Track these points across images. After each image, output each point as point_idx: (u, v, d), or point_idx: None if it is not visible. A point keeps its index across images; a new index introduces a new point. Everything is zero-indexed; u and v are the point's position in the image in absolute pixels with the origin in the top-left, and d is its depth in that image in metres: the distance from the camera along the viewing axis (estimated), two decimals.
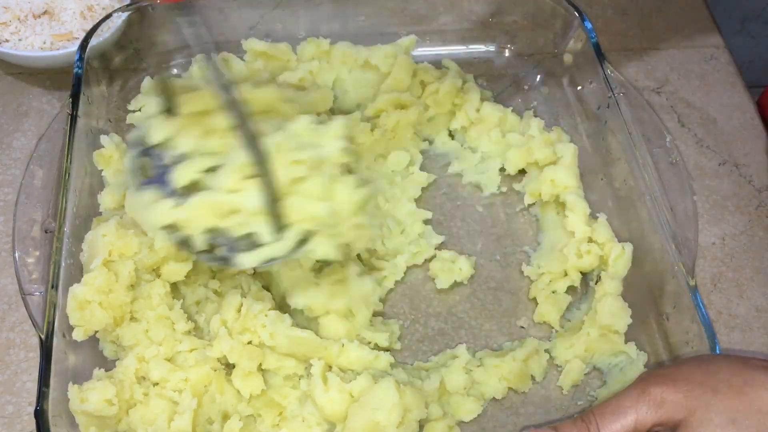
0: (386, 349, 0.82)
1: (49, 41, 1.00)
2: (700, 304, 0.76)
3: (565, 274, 0.87)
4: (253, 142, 0.67)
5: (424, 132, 0.99)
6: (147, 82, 0.97)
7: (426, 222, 0.93)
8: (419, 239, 0.91)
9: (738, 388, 0.64)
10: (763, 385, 0.64)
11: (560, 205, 0.91)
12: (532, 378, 0.82)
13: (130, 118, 0.95)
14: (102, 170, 0.90)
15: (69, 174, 0.81)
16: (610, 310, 0.81)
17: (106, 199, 0.86)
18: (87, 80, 0.89)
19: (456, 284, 0.89)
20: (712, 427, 0.63)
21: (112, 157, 0.89)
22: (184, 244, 0.70)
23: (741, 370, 0.66)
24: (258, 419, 0.77)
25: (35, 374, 0.78)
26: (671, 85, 1.10)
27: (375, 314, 0.85)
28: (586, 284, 0.89)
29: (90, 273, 0.75)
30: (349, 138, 0.74)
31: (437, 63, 1.01)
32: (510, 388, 0.81)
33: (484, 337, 0.86)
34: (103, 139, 0.90)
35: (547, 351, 0.84)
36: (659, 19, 1.17)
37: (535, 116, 0.98)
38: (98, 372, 0.75)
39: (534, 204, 0.94)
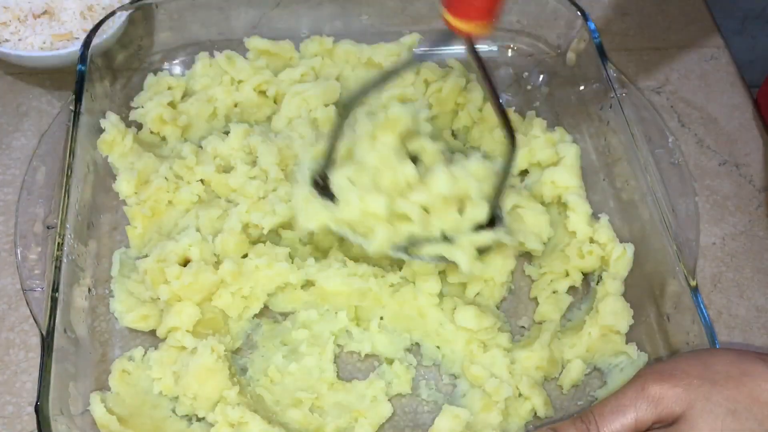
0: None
1: (49, 41, 1.00)
2: (701, 305, 0.76)
3: (567, 275, 0.87)
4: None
5: None
6: (149, 80, 0.97)
7: None
8: None
9: (736, 379, 0.65)
10: (761, 375, 0.65)
11: (562, 205, 0.91)
12: None
13: (132, 115, 0.96)
14: (107, 157, 0.90)
15: (71, 170, 0.81)
16: (612, 310, 0.81)
17: (123, 187, 0.87)
18: (90, 78, 0.89)
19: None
20: (711, 418, 0.63)
21: (114, 141, 0.89)
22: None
23: (738, 362, 0.66)
24: None
25: (35, 374, 0.78)
26: (671, 85, 1.11)
27: None
28: (587, 284, 0.89)
29: None
30: None
31: (439, 63, 1.01)
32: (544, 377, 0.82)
33: None
34: (103, 122, 0.90)
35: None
36: (659, 19, 1.18)
37: (537, 116, 0.98)
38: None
39: None
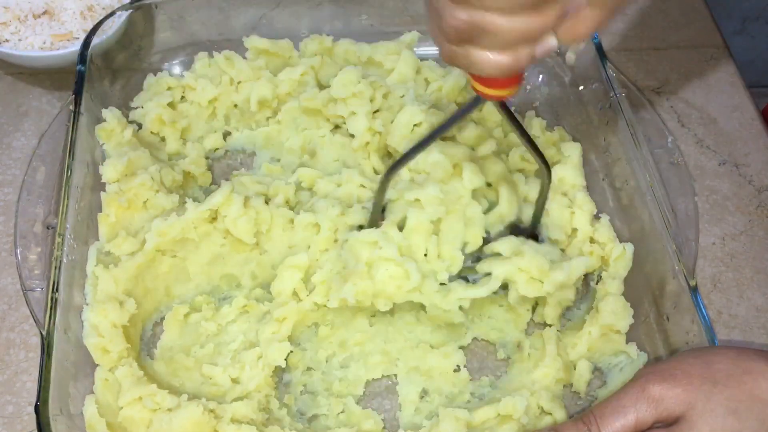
0: None
1: (49, 41, 1.00)
2: (701, 305, 0.76)
3: None
4: None
5: None
6: (149, 80, 0.97)
7: None
8: None
9: (737, 377, 0.65)
10: (762, 373, 0.65)
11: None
12: None
13: (132, 115, 0.96)
14: (103, 144, 0.90)
15: (71, 170, 0.81)
16: (612, 309, 0.81)
17: (109, 171, 0.86)
18: (90, 78, 0.90)
19: None
20: (713, 418, 0.63)
21: (113, 131, 0.89)
22: None
23: (739, 360, 0.66)
24: None
25: (35, 374, 0.78)
26: (671, 85, 1.11)
27: None
28: (586, 284, 0.89)
29: None
30: None
31: (439, 62, 1.01)
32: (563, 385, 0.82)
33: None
34: (105, 112, 0.90)
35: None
36: (659, 19, 1.18)
37: (537, 116, 0.98)
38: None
39: None
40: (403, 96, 0.94)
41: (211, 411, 0.74)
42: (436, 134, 0.74)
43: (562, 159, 0.92)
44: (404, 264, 0.78)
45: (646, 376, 0.67)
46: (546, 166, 0.78)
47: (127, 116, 0.95)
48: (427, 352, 0.83)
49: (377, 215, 0.82)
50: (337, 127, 0.96)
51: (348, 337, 0.83)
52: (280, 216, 0.85)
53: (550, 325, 0.85)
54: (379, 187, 0.80)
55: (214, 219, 0.84)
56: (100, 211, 0.85)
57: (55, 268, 0.75)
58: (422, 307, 0.82)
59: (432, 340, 0.84)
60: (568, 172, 0.90)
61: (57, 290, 0.74)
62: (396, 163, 0.77)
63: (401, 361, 0.83)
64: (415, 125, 0.91)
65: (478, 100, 0.68)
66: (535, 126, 0.96)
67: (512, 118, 0.72)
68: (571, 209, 0.88)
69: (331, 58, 0.99)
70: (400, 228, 0.81)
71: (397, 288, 0.79)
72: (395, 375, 0.83)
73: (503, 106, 0.70)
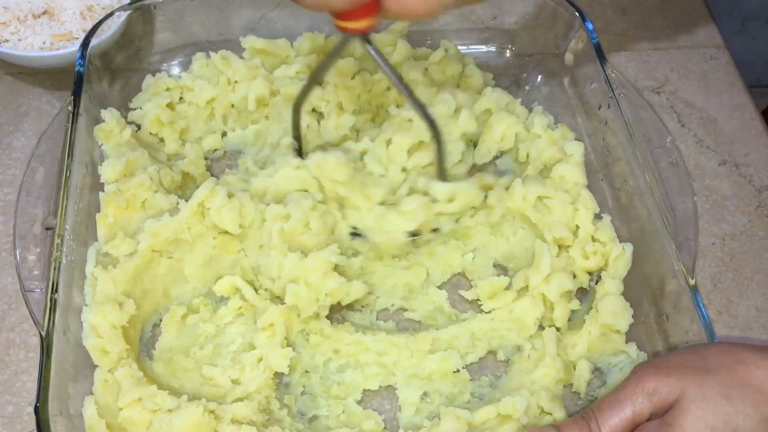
0: None
1: (49, 41, 1.00)
2: (700, 305, 0.76)
3: (574, 277, 0.86)
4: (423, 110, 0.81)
5: None
6: (148, 81, 0.97)
7: None
8: None
9: (729, 365, 0.66)
10: (754, 363, 0.66)
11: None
12: None
13: (131, 116, 0.96)
14: (102, 144, 0.90)
15: (70, 171, 0.81)
16: (612, 309, 0.81)
17: (107, 171, 0.85)
18: (89, 78, 0.90)
19: None
20: (705, 403, 0.64)
21: (112, 132, 0.89)
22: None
23: (731, 351, 0.67)
24: None
25: (35, 374, 0.78)
26: (671, 85, 1.11)
27: None
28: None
29: None
30: None
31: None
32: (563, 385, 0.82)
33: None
34: (104, 113, 0.90)
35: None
36: (659, 19, 1.18)
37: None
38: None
39: None
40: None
41: (212, 412, 0.74)
42: (315, 76, 0.85)
43: (564, 157, 0.92)
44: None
45: (642, 371, 0.68)
46: (430, 122, 0.81)
47: (125, 117, 0.95)
48: (423, 359, 0.82)
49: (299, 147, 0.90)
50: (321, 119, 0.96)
51: (340, 346, 0.83)
52: (260, 212, 0.84)
53: (550, 326, 0.84)
54: (293, 122, 0.88)
55: (203, 216, 0.84)
56: (99, 212, 0.85)
57: (54, 269, 0.75)
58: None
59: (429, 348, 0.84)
60: (570, 170, 0.90)
61: (56, 291, 0.74)
62: (300, 94, 0.85)
63: (399, 371, 0.82)
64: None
65: (343, 39, 0.75)
66: (537, 124, 0.95)
67: (377, 53, 0.75)
68: (575, 206, 0.88)
69: (326, 55, 0.99)
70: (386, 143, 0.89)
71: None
72: (394, 383, 0.83)
73: (367, 41, 0.74)
